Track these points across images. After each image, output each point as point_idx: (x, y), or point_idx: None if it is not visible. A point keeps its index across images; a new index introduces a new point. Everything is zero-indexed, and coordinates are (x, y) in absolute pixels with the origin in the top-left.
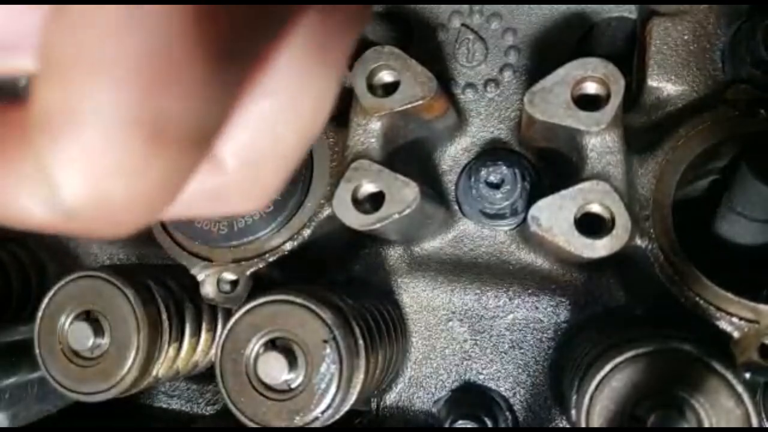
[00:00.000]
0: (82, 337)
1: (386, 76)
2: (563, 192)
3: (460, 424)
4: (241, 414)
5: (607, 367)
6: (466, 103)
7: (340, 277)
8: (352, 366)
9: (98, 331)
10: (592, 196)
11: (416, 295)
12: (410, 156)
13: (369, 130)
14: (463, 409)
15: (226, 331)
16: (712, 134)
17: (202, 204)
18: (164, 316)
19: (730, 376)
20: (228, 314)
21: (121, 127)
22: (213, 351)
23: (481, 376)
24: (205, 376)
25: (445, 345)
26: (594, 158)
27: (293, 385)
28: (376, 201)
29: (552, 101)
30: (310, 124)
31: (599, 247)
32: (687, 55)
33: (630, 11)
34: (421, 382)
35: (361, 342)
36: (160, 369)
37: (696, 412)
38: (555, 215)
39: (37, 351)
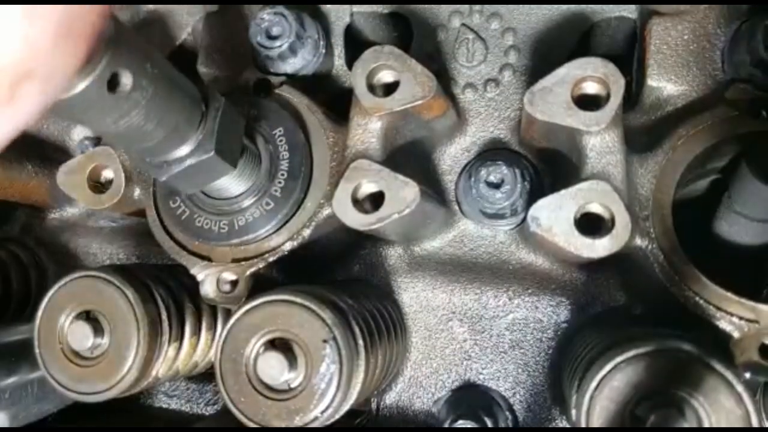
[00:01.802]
0: (81, 336)
1: (386, 76)
2: (563, 192)
3: (460, 423)
4: (240, 414)
5: (608, 367)
6: (466, 103)
7: (340, 277)
8: (351, 366)
9: (98, 330)
10: (592, 196)
11: (416, 295)
12: (410, 156)
13: (369, 130)
14: (463, 409)
15: (225, 331)
16: (712, 134)
17: None
18: (164, 316)
19: (730, 375)
20: (228, 314)
21: None
22: (213, 351)
23: (481, 376)
24: (205, 376)
25: (445, 345)
26: (594, 158)
27: (293, 385)
28: (376, 201)
29: (552, 101)
30: None
31: (599, 247)
32: (687, 55)
33: (630, 11)
34: (421, 382)
35: (360, 342)
36: (159, 369)
37: (696, 412)
38: (555, 215)
39: (37, 351)
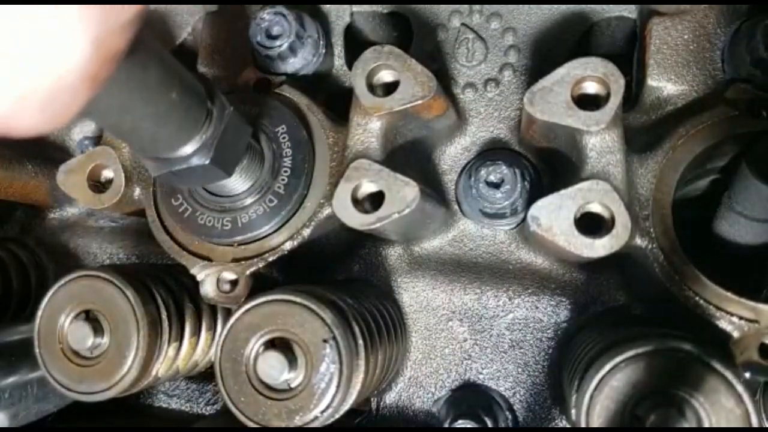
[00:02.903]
0: (81, 336)
1: (386, 76)
2: (563, 191)
3: (460, 423)
4: (240, 414)
5: (607, 367)
6: (466, 102)
7: (340, 277)
8: (351, 366)
9: (98, 330)
10: (591, 196)
11: (416, 295)
12: (410, 155)
13: (369, 130)
14: (463, 409)
15: (225, 331)
16: (712, 134)
17: None
18: (164, 316)
19: (729, 375)
20: (228, 314)
21: None
22: (213, 351)
23: (481, 376)
24: (205, 375)
25: (445, 344)
26: (594, 158)
27: (293, 385)
28: (376, 201)
29: (552, 101)
30: None
31: (599, 247)
32: (687, 55)
33: (630, 11)
34: (421, 382)
35: (360, 342)
36: (159, 368)
37: (696, 412)
38: (555, 215)
39: (37, 350)
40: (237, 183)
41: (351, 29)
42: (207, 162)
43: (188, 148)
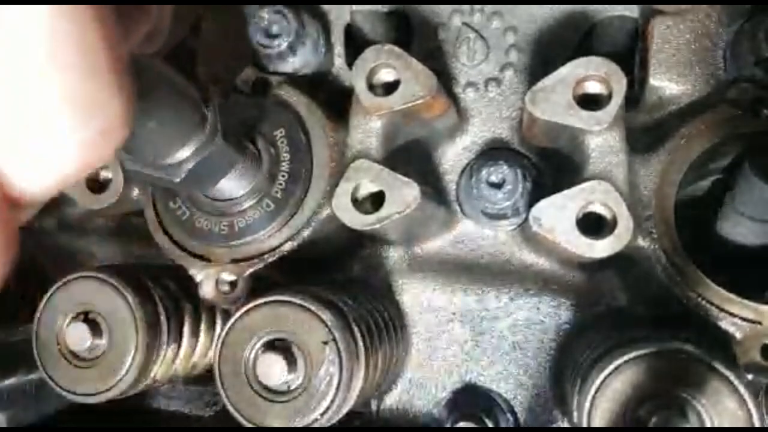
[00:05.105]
0: (80, 337)
1: (386, 75)
2: (565, 192)
3: (461, 425)
4: (240, 416)
5: (609, 368)
6: (467, 102)
7: (340, 277)
8: (351, 367)
9: (96, 331)
10: (593, 196)
11: (417, 296)
12: (410, 155)
13: (369, 130)
14: (464, 411)
15: (224, 333)
16: (715, 134)
17: None
18: (162, 317)
19: (732, 376)
20: (227, 315)
21: None
22: (212, 352)
23: (482, 378)
24: (204, 377)
25: (446, 346)
26: (596, 158)
27: (292, 387)
28: (376, 201)
29: (554, 100)
30: None
31: (601, 248)
32: (689, 54)
33: (632, 10)
34: (421, 384)
35: (360, 343)
36: (158, 370)
37: (698, 413)
38: (557, 215)
39: (35, 352)
40: (234, 186)
41: (351, 28)
42: (177, 180)
43: (167, 161)
